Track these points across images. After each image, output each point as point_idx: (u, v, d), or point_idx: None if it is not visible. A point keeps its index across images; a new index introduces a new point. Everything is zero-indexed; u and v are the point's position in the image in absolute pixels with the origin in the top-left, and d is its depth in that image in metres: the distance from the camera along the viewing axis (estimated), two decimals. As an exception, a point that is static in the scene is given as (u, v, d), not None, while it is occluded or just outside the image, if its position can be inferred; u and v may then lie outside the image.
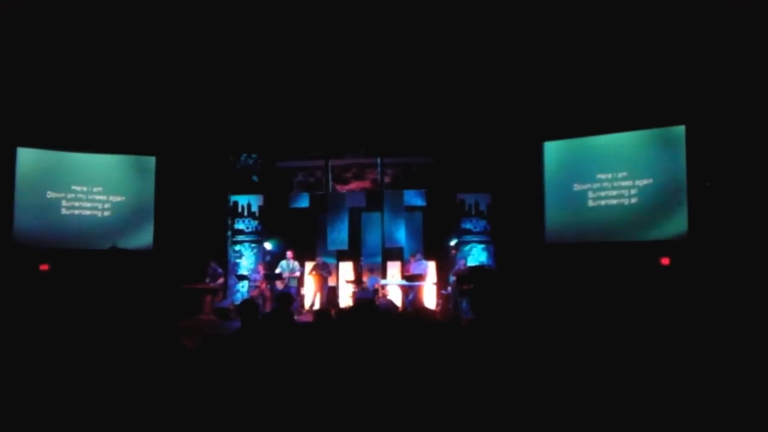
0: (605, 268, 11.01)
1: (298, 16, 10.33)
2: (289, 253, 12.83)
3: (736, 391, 2.43)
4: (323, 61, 11.50)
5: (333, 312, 5.66)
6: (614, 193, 12.01)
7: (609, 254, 11.39)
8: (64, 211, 12.91)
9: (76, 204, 13.03)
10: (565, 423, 2.05)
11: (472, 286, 11.54)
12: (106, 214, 13.19)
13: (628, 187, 11.87)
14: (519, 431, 2.04)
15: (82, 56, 11.19)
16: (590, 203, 12.25)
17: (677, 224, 11.21)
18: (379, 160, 14.07)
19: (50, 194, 12.84)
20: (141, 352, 2.17)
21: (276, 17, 10.39)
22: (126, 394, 2.02)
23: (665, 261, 11.17)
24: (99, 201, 13.19)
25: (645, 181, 11.72)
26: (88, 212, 13.10)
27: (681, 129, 11.36)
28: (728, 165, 10.73)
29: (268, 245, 13.51)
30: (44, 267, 12.00)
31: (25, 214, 12.55)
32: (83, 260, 12.21)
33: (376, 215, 13.77)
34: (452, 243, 13.13)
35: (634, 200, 11.80)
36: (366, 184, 14.36)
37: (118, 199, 13.30)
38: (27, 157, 12.74)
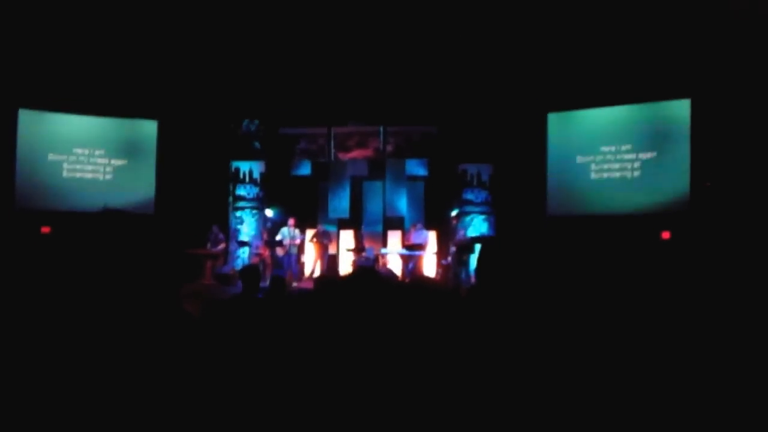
0: (606, 240, 11.02)
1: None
2: (290, 221, 12.83)
3: (734, 367, 2.44)
4: (328, 28, 11.39)
5: (333, 279, 5.69)
6: (617, 165, 11.97)
7: (610, 227, 11.40)
8: (65, 174, 12.91)
9: (78, 167, 13.02)
10: (562, 396, 2.07)
11: (469, 256, 11.60)
12: (108, 177, 13.19)
13: (631, 161, 11.83)
14: (517, 403, 2.05)
15: (86, 18, 11.09)
16: (593, 175, 12.22)
17: (679, 199, 11.20)
18: (381, 129, 13.99)
19: (52, 156, 12.82)
20: (142, 316, 2.18)
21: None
22: (127, 359, 2.03)
23: (666, 235, 11.18)
24: (101, 164, 13.17)
25: (648, 154, 11.68)
26: (90, 175, 13.10)
27: (686, 102, 11.28)
28: (733, 141, 10.68)
29: (269, 212, 13.52)
30: (46, 229, 12.02)
31: (26, 176, 12.54)
32: (85, 223, 12.19)
33: (378, 184, 13.75)
34: (453, 213, 13.13)
35: (637, 173, 11.77)
36: (368, 152, 14.30)
37: (120, 162, 13.29)
38: (29, 119, 12.69)
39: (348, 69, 12.31)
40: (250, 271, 5.09)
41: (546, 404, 2.00)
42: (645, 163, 11.68)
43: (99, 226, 2.51)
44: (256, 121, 13.62)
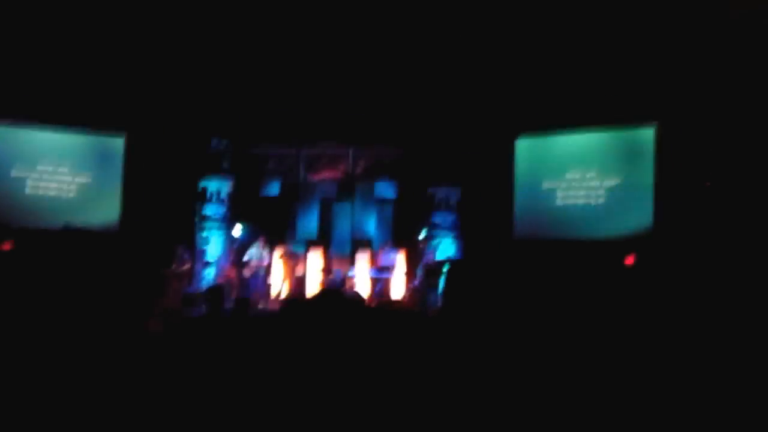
0: (571, 264, 11.14)
1: (276, 3, 10.26)
2: (261, 241, 12.71)
3: (697, 381, 2.49)
4: (299, 49, 11.44)
5: (299, 301, 5.66)
6: (582, 192, 12.16)
7: (576, 251, 11.53)
8: (28, 191, 12.65)
9: (41, 183, 12.78)
10: (526, 414, 2.09)
11: (438, 278, 11.63)
12: (72, 194, 12.96)
13: (596, 188, 12.03)
14: (482, 420, 2.07)
15: (51, 30, 10.97)
16: (558, 201, 12.39)
17: (642, 225, 11.39)
18: (351, 151, 14.02)
19: (14, 173, 12.57)
20: (105, 334, 2.16)
21: (253, 3, 10.31)
22: (89, 375, 2.00)
23: (629, 260, 11.35)
24: (65, 181, 12.94)
25: (613, 181, 11.89)
26: (53, 192, 12.85)
27: (650, 130, 11.54)
28: (698, 166, 10.92)
29: (236, 232, 13.39)
30: (6, 246, 11.73)
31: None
32: (47, 240, 11.98)
33: (347, 205, 13.74)
34: (421, 236, 13.17)
35: (601, 200, 11.96)
36: (338, 174, 14.30)
37: (85, 179, 13.07)
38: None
39: (318, 90, 12.36)
40: (215, 292, 5.04)
41: (510, 422, 2.02)
42: (609, 190, 11.89)
43: (60, 244, 2.48)
44: (225, 140, 13.52)
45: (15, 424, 1.89)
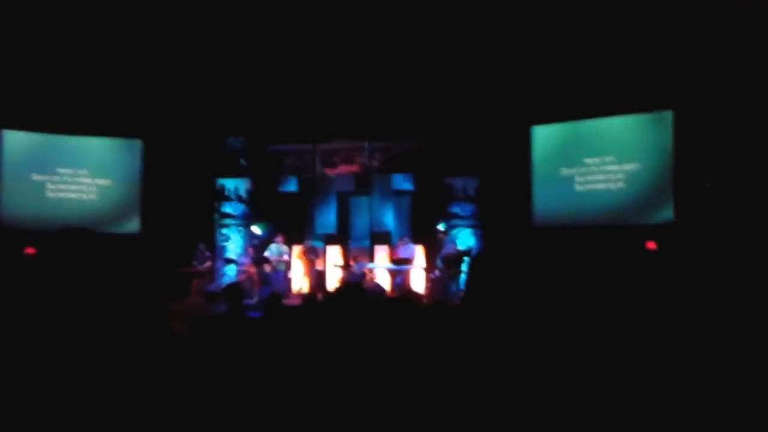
0: (592, 251, 11.07)
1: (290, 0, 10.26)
2: (279, 237, 12.78)
3: (720, 379, 2.45)
4: (313, 44, 11.43)
5: (320, 296, 5.68)
6: (601, 177, 12.06)
7: (596, 238, 11.45)
8: (50, 194, 12.82)
9: (62, 187, 12.94)
10: (554, 409, 2.06)
11: (459, 269, 11.60)
12: (92, 196, 13.10)
13: (615, 172, 11.92)
14: (509, 417, 2.05)
15: (69, 38, 11.07)
16: (577, 187, 12.30)
17: (663, 209, 11.28)
18: (367, 144, 14.02)
19: (35, 177, 12.72)
20: (128, 336, 2.16)
21: (268, 1, 10.32)
22: (114, 378, 2.01)
23: (651, 245, 11.25)
24: (85, 184, 13.09)
25: (632, 166, 11.77)
26: (74, 195, 13.00)
27: (669, 114, 11.40)
28: (716, 151, 10.78)
29: (255, 229, 13.46)
30: (30, 250, 11.89)
31: (10, 197, 12.44)
32: (69, 244, 12.08)
33: (364, 199, 13.74)
34: (440, 227, 13.13)
35: (620, 185, 11.85)
36: (354, 167, 14.32)
37: (104, 182, 13.20)
38: (13, 140, 12.62)
39: (333, 85, 12.35)
40: (234, 289, 5.05)
41: (538, 418, 2.00)
42: (628, 175, 11.77)
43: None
44: (242, 138, 13.59)
45: (41, 425, 1.90)
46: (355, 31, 11.06)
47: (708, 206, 10.65)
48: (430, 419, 2.05)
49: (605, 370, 2.25)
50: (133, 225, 13.06)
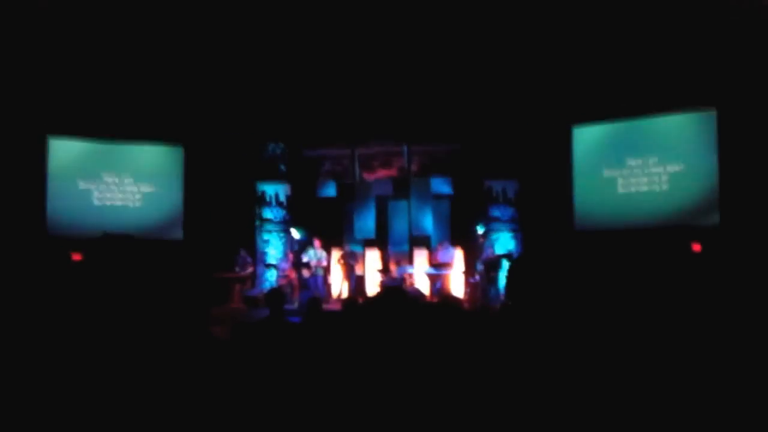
0: (636, 253, 10.86)
1: (327, 3, 10.32)
2: (316, 242, 12.86)
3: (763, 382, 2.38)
4: (351, 49, 11.48)
5: (360, 300, 5.69)
6: (645, 179, 11.82)
7: (639, 240, 11.23)
8: (96, 202, 13.11)
9: (108, 194, 13.23)
10: (596, 416, 2.02)
11: (498, 273, 11.50)
12: (137, 203, 13.38)
13: (659, 173, 11.67)
14: (546, 418, 2.01)
15: (112, 45, 11.33)
16: (620, 189, 12.08)
17: (709, 212, 10.99)
18: (405, 148, 14.02)
19: (82, 184, 13.04)
20: (172, 341, 2.19)
21: (304, 4, 10.40)
22: (156, 383, 2.04)
23: (697, 247, 10.98)
24: (129, 191, 13.36)
25: (676, 167, 11.51)
26: (119, 202, 13.28)
27: (712, 113, 11.12)
28: (762, 150, 10.47)
29: (295, 234, 13.57)
30: (77, 257, 12.19)
31: (57, 204, 12.75)
32: (115, 250, 12.36)
33: (403, 203, 13.73)
34: (480, 230, 13.05)
35: (664, 186, 11.60)
36: (393, 172, 14.33)
37: (148, 188, 13.47)
38: (58, 147, 12.94)
39: (370, 89, 12.38)
40: (275, 294, 5.11)
41: (577, 422, 1.96)
42: (672, 176, 11.51)
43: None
44: (281, 144, 13.74)
45: (84, 425, 1.94)
46: (393, 35, 11.08)
47: (755, 208, 10.34)
48: (470, 425, 2.03)
49: (649, 375, 2.20)
50: (176, 231, 13.27)
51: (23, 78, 11.60)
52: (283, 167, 13.74)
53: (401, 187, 13.92)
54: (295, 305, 11.74)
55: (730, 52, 10.40)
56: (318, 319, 5.17)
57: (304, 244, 13.31)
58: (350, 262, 13.05)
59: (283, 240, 13.43)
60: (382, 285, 12.00)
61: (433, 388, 2.14)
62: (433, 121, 12.86)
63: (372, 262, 13.58)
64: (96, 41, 11.20)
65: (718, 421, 2.16)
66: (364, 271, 13.58)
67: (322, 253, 12.84)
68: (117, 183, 13.30)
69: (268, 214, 13.44)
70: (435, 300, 11.94)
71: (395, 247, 13.45)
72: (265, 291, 11.75)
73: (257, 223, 13.54)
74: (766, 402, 2.21)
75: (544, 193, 12.53)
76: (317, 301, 5.70)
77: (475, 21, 10.74)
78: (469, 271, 12.96)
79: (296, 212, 13.68)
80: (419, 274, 12.93)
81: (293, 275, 12.83)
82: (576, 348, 2.08)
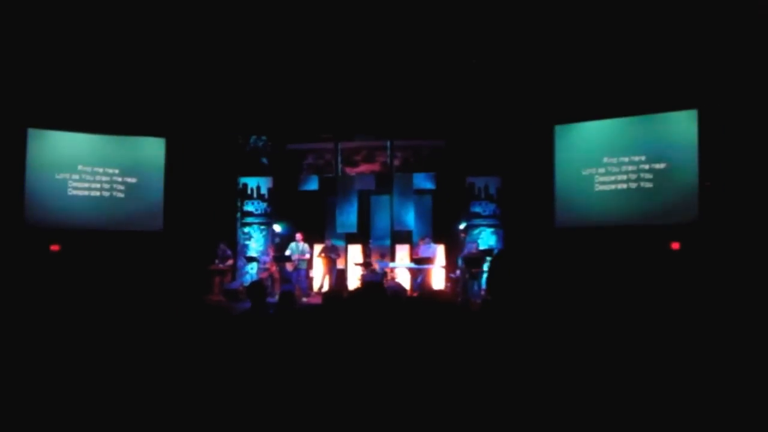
0: (615, 252, 10.98)
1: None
2: (298, 236, 12.83)
3: (741, 376, 2.42)
4: (334, 43, 11.45)
5: (342, 294, 5.68)
6: (623, 177, 11.93)
7: (619, 238, 11.36)
8: (72, 192, 12.93)
9: (85, 185, 13.07)
10: (574, 407, 2.05)
11: (480, 269, 11.56)
12: (116, 194, 13.24)
13: (637, 171, 11.79)
14: (527, 414, 2.04)
15: (92, 36, 11.19)
16: (600, 187, 12.18)
17: (688, 209, 11.12)
18: (388, 143, 14.04)
19: (59, 175, 12.88)
20: (152, 333, 2.19)
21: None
22: (134, 374, 2.03)
23: (675, 245, 11.12)
24: (108, 182, 13.22)
25: (654, 165, 11.63)
26: (97, 193, 13.14)
27: (693, 113, 11.24)
28: (741, 150, 10.61)
29: (277, 227, 13.53)
30: (55, 247, 12.08)
31: (35, 195, 12.60)
32: (94, 241, 12.33)
33: (386, 198, 13.74)
34: (461, 226, 13.10)
35: (642, 184, 11.72)
36: (375, 166, 14.35)
37: (128, 180, 13.34)
38: (37, 138, 12.77)
39: (354, 84, 12.36)
40: (257, 287, 5.10)
41: (558, 416, 1.99)
42: (652, 174, 11.63)
43: (106, 244, 2.53)
44: (264, 137, 13.68)
45: (67, 416, 1.93)
46: (376, 30, 11.05)
47: (735, 206, 10.48)
48: (449, 417, 2.05)
49: (626, 369, 2.23)
50: (156, 223, 13.17)
51: (3, 69, 11.43)
52: (265, 160, 13.68)
53: (384, 182, 13.93)
54: (276, 298, 11.70)
55: (713, 51, 10.51)
56: (291, 314, 5.15)
57: (286, 238, 13.28)
58: (331, 256, 13.04)
59: (265, 233, 13.40)
60: (363, 279, 12.01)
61: (414, 380, 2.15)
62: (417, 117, 12.88)
63: (354, 256, 13.58)
64: (79, 33, 11.04)
65: (697, 411, 2.19)
66: (345, 265, 13.58)
67: (305, 247, 12.82)
68: (93, 173, 13.13)
69: (249, 207, 13.41)
70: (416, 294, 11.98)
71: (377, 242, 13.46)
72: (245, 284, 11.71)
73: (238, 215, 13.49)
74: (745, 392, 2.25)
75: (525, 190, 12.61)
76: (290, 296, 5.67)
77: (459, 19, 10.74)
78: (450, 266, 13.01)
79: (278, 205, 13.64)
80: (401, 269, 12.95)
81: (274, 268, 12.79)
82: (556, 342, 2.10)
